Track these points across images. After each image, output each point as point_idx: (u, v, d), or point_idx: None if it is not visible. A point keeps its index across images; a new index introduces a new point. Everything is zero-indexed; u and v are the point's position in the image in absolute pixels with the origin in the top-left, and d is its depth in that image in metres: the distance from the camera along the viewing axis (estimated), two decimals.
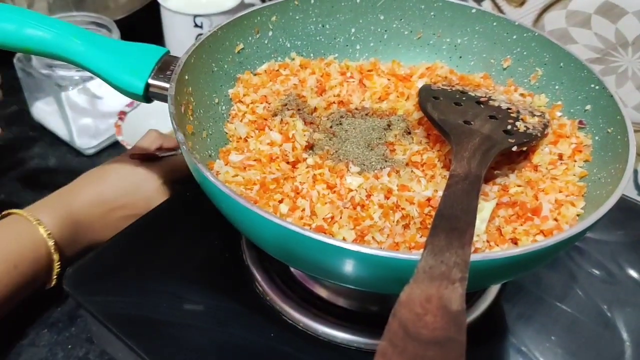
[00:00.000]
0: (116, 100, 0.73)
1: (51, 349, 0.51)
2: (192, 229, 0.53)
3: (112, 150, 0.74)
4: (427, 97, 0.48)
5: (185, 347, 0.43)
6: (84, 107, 0.74)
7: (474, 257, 0.30)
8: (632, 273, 0.54)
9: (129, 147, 0.66)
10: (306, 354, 0.44)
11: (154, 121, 0.66)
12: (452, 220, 0.31)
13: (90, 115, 0.74)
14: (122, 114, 0.72)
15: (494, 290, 0.49)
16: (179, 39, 0.78)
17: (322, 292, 0.48)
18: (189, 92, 0.44)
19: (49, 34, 0.44)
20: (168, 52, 0.46)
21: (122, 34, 0.73)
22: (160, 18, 0.79)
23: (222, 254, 0.51)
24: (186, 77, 0.43)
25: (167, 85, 0.42)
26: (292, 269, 0.49)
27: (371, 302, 0.47)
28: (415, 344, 0.23)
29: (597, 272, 0.54)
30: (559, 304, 0.50)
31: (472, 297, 0.48)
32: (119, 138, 0.69)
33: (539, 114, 0.47)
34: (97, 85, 0.73)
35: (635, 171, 0.71)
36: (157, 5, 0.77)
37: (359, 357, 0.44)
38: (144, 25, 0.83)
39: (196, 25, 0.76)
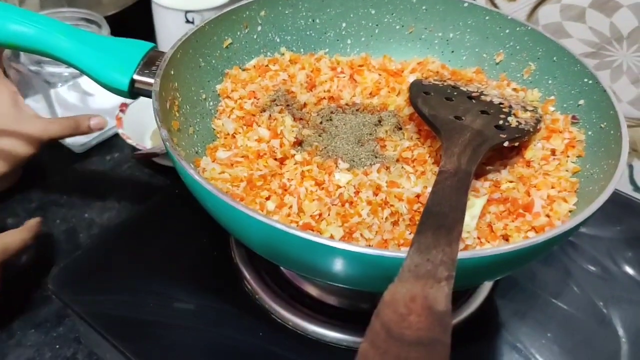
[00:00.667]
0: (107, 97, 0.71)
1: (38, 349, 0.50)
2: (180, 228, 0.52)
3: (102, 147, 0.74)
4: (418, 92, 0.47)
5: (173, 347, 0.43)
6: (73, 104, 0.73)
7: (461, 254, 0.29)
8: (628, 269, 0.53)
9: (129, 141, 0.65)
10: (295, 353, 0.43)
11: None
12: (439, 217, 0.31)
13: (81, 113, 0.73)
14: (123, 106, 0.70)
15: (487, 286, 0.49)
16: (171, 34, 0.77)
17: (312, 291, 0.47)
18: (175, 87, 0.43)
19: (33, 30, 0.44)
20: (154, 47, 0.45)
21: (114, 30, 0.72)
22: (151, 14, 0.78)
23: (211, 253, 0.50)
24: (172, 73, 0.43)
25: (152, 80, 0.41)
26: (281, 268, 0.48)
27: (361, 300, 0.46)
28: (397, 345, 0.22)
29: (592, 268, 0.53)
30: (555, 301, 0.49)
31: (464, 293, 0.48)
32: (120, 131, 0.68)
33: (531, 108, 0.47)
34: (87, 82, 0.72)
35: (630, 166, 0.71)
36: (149, 1, 0.77)
37: (348, 356, 0.43)
38: (135, 21, 0.82)
39: (187, 21, 0.75)
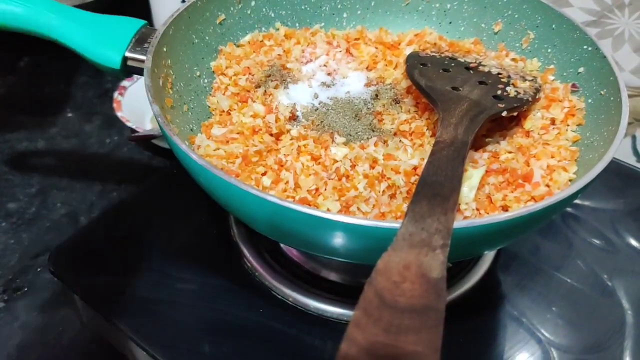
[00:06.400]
0: None
1: (42, 330, 0.51)
2: (179, 207, 0.52)
3: (102, 130, 0.73)
4: (415, 64, 0.46)
5: (173, 325, 0.43)
6: None
7: (457, 224, 0.29)
8: (632, 241, 0.53)
9: (128, 124, 0.64)
10: (296, 329, 0.43)
11: None
12: (435, 187, 0.30)
13: None
14: (121, 89, 0.70)
15: (488, 259, 0.49)
16: (166, 13, 0.76)
17: (311, 267, 0.47)
18: (168, 64, 0.43)
19: (21, 9, 0.43)
20: (146, 24, 0.44)
21: (110, 10, 0.71)
22: None
23: (210, 231, 0.50)
24: (164, 49, 0.42)
25: (144, 58, 0.41)
26: (281, 245, 0.48)
27: (361, 276, 0.46)
28: (391, 313, 0.22)
29: (596, 240, 0.53)
30: (558, 274, 0.49)
31: (465, 266, 0.47)
32: (119, 114, 0.67)
33: (530, 78, 0.46)
34: None
35: (633, 137, 0.70)
36: None
37: None
38: (131, 0, 0.81)
39: (183, 1, 0.74)
